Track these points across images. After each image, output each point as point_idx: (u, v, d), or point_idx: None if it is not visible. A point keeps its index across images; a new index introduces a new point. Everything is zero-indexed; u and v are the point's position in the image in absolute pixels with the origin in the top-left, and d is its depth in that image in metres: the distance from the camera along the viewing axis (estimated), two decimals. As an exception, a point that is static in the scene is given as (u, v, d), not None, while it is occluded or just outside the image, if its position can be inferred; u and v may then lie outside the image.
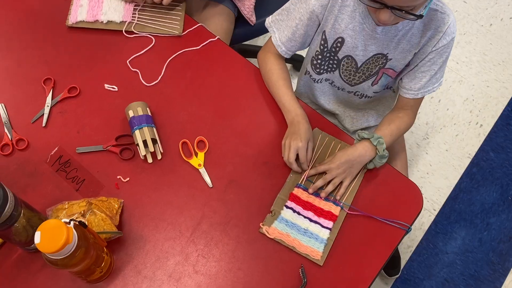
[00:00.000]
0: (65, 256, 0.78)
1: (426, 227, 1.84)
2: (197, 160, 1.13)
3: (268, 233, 1.04)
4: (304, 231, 1.05)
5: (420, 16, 0.92)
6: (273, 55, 1.21)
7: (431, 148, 1.99)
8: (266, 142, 1.17)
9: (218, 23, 1.41)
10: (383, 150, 1.09)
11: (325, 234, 1.05)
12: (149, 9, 1.29)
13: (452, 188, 1.92)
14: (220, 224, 1.07)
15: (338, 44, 1.12)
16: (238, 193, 1.10)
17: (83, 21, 1.25)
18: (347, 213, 1.08)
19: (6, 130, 1.12)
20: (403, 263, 1.77)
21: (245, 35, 1.55)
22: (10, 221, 0.83)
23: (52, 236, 0.75)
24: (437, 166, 1.96)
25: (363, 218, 1.09)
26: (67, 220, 0.79)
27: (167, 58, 1.25)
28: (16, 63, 1.21)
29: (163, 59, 1.25)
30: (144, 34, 1.27)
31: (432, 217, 1.86)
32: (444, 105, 2.09)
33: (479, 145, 2.01)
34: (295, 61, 2.05)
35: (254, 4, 1.49)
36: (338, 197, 1.09)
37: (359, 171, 1.12)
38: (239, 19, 1.52)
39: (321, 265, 1.03)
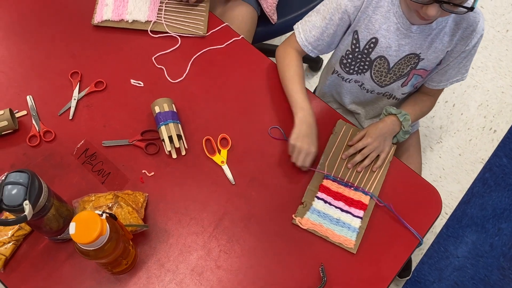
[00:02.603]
0: (97, 247, 0.80)
1: (437, 230, 1.86)
2: (220, 157, 1.15)
3: (301, 224, 1.06)
4: (336, 221, 1.07)
5: (471, 9, 0.92)
6: (294, 50, 1.21)
7: (445, 152, 2.00)
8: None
9: (241, 21, 1.42)
10: (409, 126, 1.16)
11: (356, 223, 1.08)
12: (173, 9, 1.31)
13: (464, 193, 1.93)
14: (242, 220, 1.09)
15: (372, 45, 1.13)
16: (260, 190, 1.12)
17: (109, 20, 1.26)
18: (376, 202, 1.11)
19: (34, 122, 1.14)
20: (414, 265, 1.78)
21: (265, 34, 1.56)
22: (43, 211, 0.85)
23: (87, 227, 0.77)
24: (450, 170, 1.97)
25: (389, 212, 1.11)
26: (100, 212, 0.81)
27: (192, 56, 1.27)
28: (44, 55, 1.23)
29: (188, 57, 1.26)
30: (169, 34, 1.28)
31: (444, 221, 1.87)
32: (458, 109, 2.10)
33: (492, 151, 2.02)
34: (312, 62, 2.06)
35: (276, 2, 1.50)
36: (375, 169, 1.14)
37: (390, 149, 1.17)
38: (261, 18, 1.53)
39: (355, 253, 1.06)
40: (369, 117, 1.39)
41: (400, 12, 1.06)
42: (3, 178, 0.80)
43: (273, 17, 1.52)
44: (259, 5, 1.49)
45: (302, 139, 1.09)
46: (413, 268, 1.77)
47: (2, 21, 1.26)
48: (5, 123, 1.08)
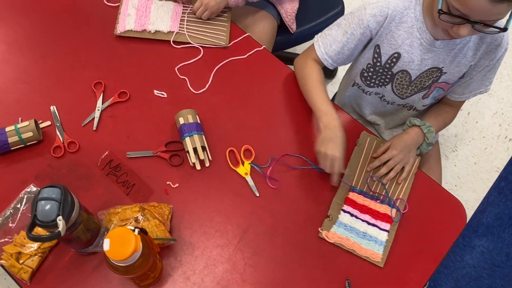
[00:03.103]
0: (130, 263, 0.80)
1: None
2: (244, 169, 1.14)
3: (327, 237, 1.06)
4: (363, 235, 1.07)
5: (505, 29, 0.92)
6: (312, 60, 1.20)
7: (460, 161, 2.00)
8: (311, 152, 1.17)
9: (262, 31, 1.42)
10: (433, 137, 1.16)
11: (383, 236, 1.07)
12: (195, 19, 1.31)
13: (480, 202, 1.92)
14: (267, 233, 1.08)
15: (394, 60, 1.13)
16: (284, 203, 1.12)
17: (131, 30, 1.26)
18: (402, 214, 1.11)
19: (58, 133, 1.14)
20: (430, 274, 1.78)
21: (284, 43, 1.56)
22: (74, 226, 0.85)
23: (121, 244, 0.77)
24: (465, 179, 1.96)
25: (414, 225, 1.11)
26: (132, 228, 0.81)
27: (214, 66, 1.26)
28: (67, 66, 1.23)
29: (211, 67, 1.26)
30: (191, 44, 1.28)
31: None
32: (473, 117, 2.09)
33: (508, 159, 2.01)
34: (326, 69, 2.05)
35: (296, 12, 1.50)
36: (400, 182, 1.14)
37: (415, 161, 1.17)
38: (280, 27, 1.52)
39: (382, 266, 1.05)
40: (388, 127, 1.39)
41: (424, 27, 1.06)
42: (31, 191, 0.79)
43: (292, 26, 1.52)
44: (279, 14, 1.49)
45: (326, 145, 1.07)
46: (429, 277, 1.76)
47: (26, 31, 1.27)
48: (30, 134, 1.08)
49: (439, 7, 0.91)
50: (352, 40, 1.12)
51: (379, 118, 1.37)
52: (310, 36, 1.61)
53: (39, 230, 0.92)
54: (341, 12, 1.61)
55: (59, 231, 0.77)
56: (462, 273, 1.79)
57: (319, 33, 1.19)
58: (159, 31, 1.27)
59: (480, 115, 2.10)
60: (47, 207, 0.78)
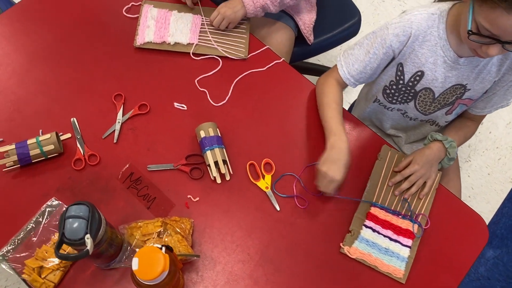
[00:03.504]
0: (157, 282, 0.79)
1: (467, 251, 1.84)
2: (264, 183, 1.14)
3: (349, 253, 1.05)
4: (385, 250, 1.06)
5: None
6: (334, 80, 1.20)
7: (473, 171, 1.99)
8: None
9: (280, 42, 1.42)
10: (455, 153, 1.16)
11: (405, 252, 1.07)
12: (214, 31, 1.31)
13: (494, 213, 1.91)
14: (288, 248, 1.07)
15: (417, 78, 1.12)
16: (305, 217, 1.11)
17: (151, 42, 1.26)
18: (424, 229, 1.11)
19: (78, 145, 1.13)
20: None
21: (302, 54, 1.55)
22: (101, 242, 0.84)
23: (150, 263, 0.76)
24: (479, 190, 1.95)
25: (435, 240, 1.11)
26: (159, 246, 0.81)
27: (234, 79, 1.26)
28: (87, 77, 1.23)
29: (230, 80, 1.26)
30: (210, 56, 1.28)
31: (474, 242, 1.85)
32: (486, 128, 2.08)
33: (522, 170, 2.00)
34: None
35: (313, 23, 1.50)
36: (421, 197, 1.14)
37: (436, 176, 1.17)
38: (297, 38, 1.52)
39: (404, 283, 1.05)
40: (409, 141, 1.38)
41: (448, 45, 1.05)
42: (60, 208, 0.79)
43: (310, 38, 1.51)
44: (297, 26, 1.49)
45: (328, 165, 1.06)
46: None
47: (46, 42, 1.26)
48: (51, 146, 1.08)
49: (469, 28, 0.90)
50: (374, 59, 1.12)
51: (399, 132, 1.36)
52: (327, 47, 1.62)
53: (65, 247, 0.92)
54: (358, 23, 1.61)
55: (87, 249, 0.77)
56: (476, 285, 1.78)
57: (341, 53, 1.18)
58: (178, 43, 1.27)
59: (494, 126, 2.09)
60: (75, 225, 0.78)
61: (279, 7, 1.31)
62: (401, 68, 1.13)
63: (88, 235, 0.77)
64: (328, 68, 2.01)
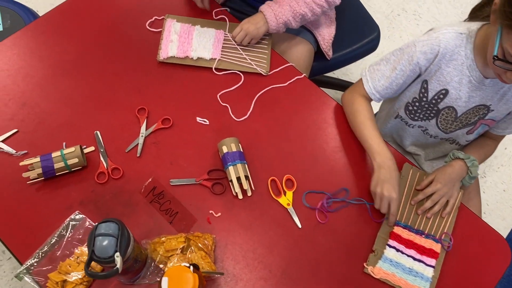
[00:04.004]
0: (185, 301, 0.79)
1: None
2: (286, 199, 1.14)
3: (373, 273, 1.05)
4: (409, 270, 1.06)
5: None
6: (360, 96, 1.21)
7: (488, 188, 1.98)
8: (355, 183, 1.17)
9: (300, 58, 1.42)
10: (476, 171, 1.15)
11: (429, 272, 1.06)
12: (236, 46, 1.31)
13: (509, 229, 1.90)
14: (310, 266, 1.07)
15: (441, 96, 1.13)
16: (328, 235, 1.11)
17: (174, 56, 1.27)
18: (447, 250, 1.10)
19: (102, 158, 1.14)
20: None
21: (320, 68, 1.56)
22: (128, 259, 0.85)
23: (179, 283, 0.76)
24: (494, 206, 1.94)
25: (458, 260, 1.10)
26: (187, 265, 0.81)
27: (255, 94, 1.27)
28: (111, 91, 1.23)
29: (252, 95, 1.26)
30: (232, 71, 1.29)
31: (489, 258, 1.84)
32: (502, 143, 2.04)
33: (537, 187, 1.99)
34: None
35: (333, 39, 1.51)
36: (444, 215, 1.14)
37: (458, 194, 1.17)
38: (315, 52, 1.53)
39: None
40: (428, 158, 1.38)
41: (474, 65, 1.05)
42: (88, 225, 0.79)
43: (329, 53, 1.52)
44: (316, 41, 1.49)
45: (382, 185, 1.08)
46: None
47: (70, 55, 1.28)
48: (75, 160, 1.09)
49: (495, 53, 0.90)
50: (401, 76, 1.12)
51: (419, 149, 1.36)
52: (346, 62, 1.62)
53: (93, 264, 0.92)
54: (377, 38, 1.62)
55: (117, 268, 0.77)
56: (492, 303, 1.76)
57: (367, 67, 1.19)
58: (201, 58, 1.28)
59: (509, 141, 2.08)
60: (105, 243, 0.78)
61: (300, 22, 1.32)
62: (425, 86, 1.13)
63: (117, 253, 0.77)
64: (343, 81, 2.04)
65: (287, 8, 1.27)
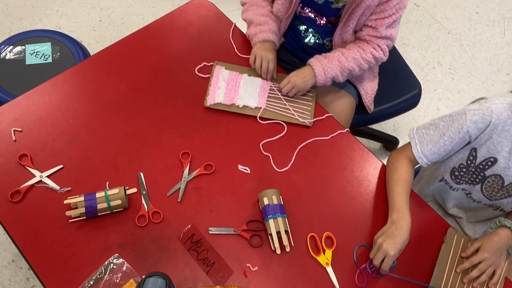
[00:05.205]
0: None
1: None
2: (325, 258, 1.11)
3: None
4: None
5: None
6: (406, 158, 1.20)
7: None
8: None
9: (342, 111, 1.43)
10: None
11: None
12: (281, 96, 1.33)
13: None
14: (346, 331, 1.04)
15: (489, 163, 1.11)
16: (366, 299, 1.08)
17: (220, 103, 1.29)
18: None
19: (143, 201, 1.14)
20: None
21: (360, 121, 1.56)
22: (170, 315, 0.83)
23: None
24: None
25: None
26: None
27: (297, 145, 1.27)
28: (157, 133, 1.25)
29: (294, 146, 1.27)
30: (276, 121, 1.30)
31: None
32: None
33: None
34: (388, 142, 2.04)
35: (375, 93, 1.51)
36: (491, 286, 1.10)
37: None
38: (357, 105, 1.53)
39: None
40: (470, 221, 1.34)
41: None
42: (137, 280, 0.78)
43: (370, 107, 1.52)
44: (358, 94, 1.50)
45: (385, 238, 1.06)
46: None
47: (119, 94, 1.30)
48: (118, 201, 1.09)
49: None
50: (449, 143, 1.11)
51: (461, 212, 1.33)
52: (386, 117, 1.62)
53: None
54: (418, 95, 1.62)
55: (162, 325, 0.75)
56: None
57: (414, 130, 1.18)
58: (246, 106, 1.29)
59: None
60: (152, 298, 0.77)
61: (347, 77, 1.34)
62: (474, 153, 1.12)
63: (163, 310, 0.76)
64: (376, 130, 2.03)
65: (336, 63, 1.29)
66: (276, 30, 1.37)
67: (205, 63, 1.37)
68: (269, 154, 1.25)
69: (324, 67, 1.28)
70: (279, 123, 1.30)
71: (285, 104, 1.32)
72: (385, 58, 1.35)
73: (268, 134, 1.28)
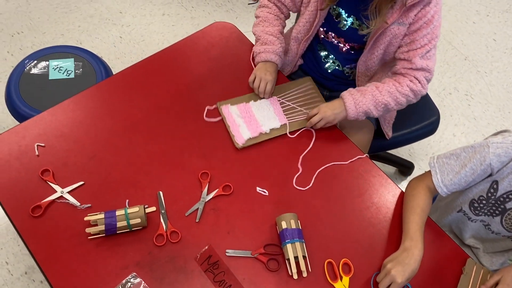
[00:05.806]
0: None
1: None
2: (342, 285, 1.10)
3: None
4: None
5: None
6: (425, 186, 1.19)
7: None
8: (416, 277, 1.12)
9: (361, 136, 1.43)
10: None
11: None
12: (292, 105, 1.35)
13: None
14: None
15: (510, 196, 1.10)
16: (383, 329, 1.06)
17: (250, 138, 1.28)
18: None
19: (162, 220, 1.14)
20: None
21: (378, 146, 1.56)
22: None
23: None
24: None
25: None
26: None
27: (316, 169, 1.27)
28: (177, 152, 1.26)
29: (313, 169, 1.27)
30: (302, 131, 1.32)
31: None
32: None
33: None
34: (404, 166, 2.03)
35: (394, 120, 1.51)
36: None
37: None
38: (375, 131, 1.53)
39: None
40: (487, 252, 1.32)
41: None
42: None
43: (389, 133, 1.52)
44: (377, 120, 1.50)
45: (394, 264, 1.06)
46: None
47: (141, 113, 1.32)
48: (138, 220, 1.10)
49: None
50: (471, 174, 1.11)
51: (478, 242, 1.31)
52: (404, 143, 1.62)
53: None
54: (436, 122, 1.61)
55: None
56: None
57: (435, 158, 1.18)
58: (272, 128, 1.30)
59: None
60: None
61: (383, 111, 1.31)
62: (495, 186, 1.11)
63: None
64: (395, 156, 2.02)
65: (369, 97, 1.27)
66: (281, 52, 1.38)
67: (208, 107, 1.35)
68: (288, 177, 1.25)
69: (355, 101, 1.27)
70: (300, 141, 1.31)
71: (301, 110, 1.35)
72: (424, 91, 1.32)
73: (286, 155, 1.28)
